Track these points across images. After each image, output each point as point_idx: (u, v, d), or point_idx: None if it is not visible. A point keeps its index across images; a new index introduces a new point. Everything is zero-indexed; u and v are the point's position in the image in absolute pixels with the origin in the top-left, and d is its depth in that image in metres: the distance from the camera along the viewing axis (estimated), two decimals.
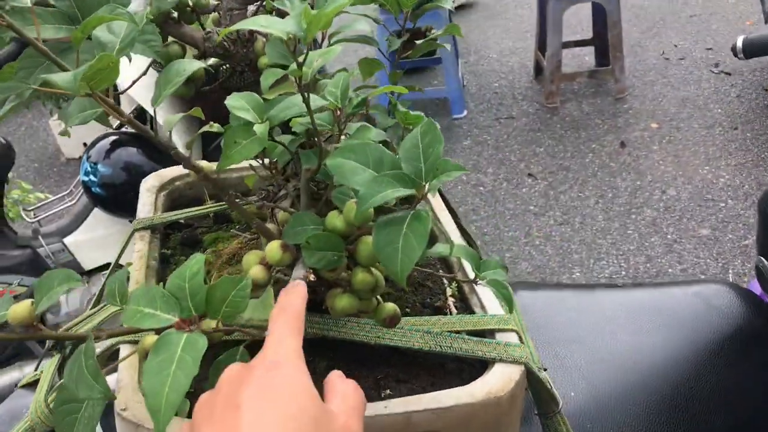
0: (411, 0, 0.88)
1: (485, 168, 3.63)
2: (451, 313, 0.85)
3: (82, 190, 2.26)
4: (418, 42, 0.96)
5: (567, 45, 4.22)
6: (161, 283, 0.88)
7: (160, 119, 2.17)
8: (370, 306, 0.68)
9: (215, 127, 0.66)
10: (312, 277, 0.62)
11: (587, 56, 4.64)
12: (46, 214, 2.41)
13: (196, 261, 0.54)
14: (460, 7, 6.04)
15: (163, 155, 2.31)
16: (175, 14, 0.80)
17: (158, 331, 0.53)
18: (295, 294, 0.56)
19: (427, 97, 4.38)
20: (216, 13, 0.85)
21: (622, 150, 3.60)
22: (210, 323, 0.55)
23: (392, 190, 0.55)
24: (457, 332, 0.78)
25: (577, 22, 5.13)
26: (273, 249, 0.65)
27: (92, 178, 2.21)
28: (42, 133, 4.71)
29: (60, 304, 2.27)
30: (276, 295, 0.66)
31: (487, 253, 2.92)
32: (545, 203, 3.26)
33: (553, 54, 4.01)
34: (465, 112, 4.26)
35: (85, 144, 2.56)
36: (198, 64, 0.61)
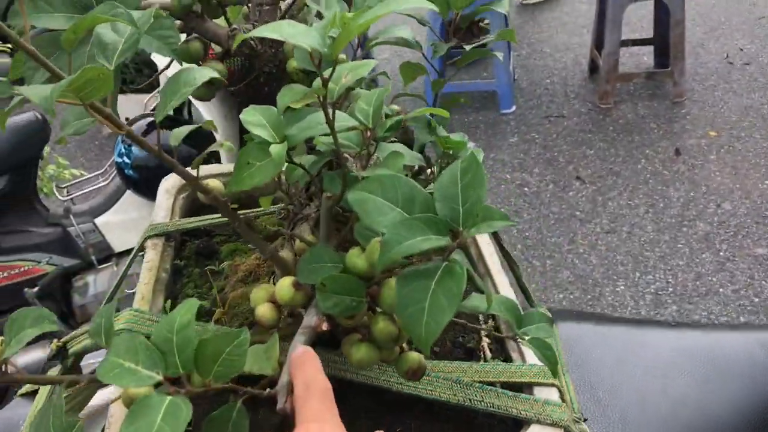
0: (463, 1, 0.79)
1: (531, 168, 3.51)
2: (485, 357, 0.76)
3: (115, 171, 2.22)
4: (467, 46, 0.87)
5: (625, 43, 4.05)
6: (168, 303, 0.81)
7: (199, 104, 2.11)
8: (391, 356, 0.59)
9: (226, 146, 0.57)
10: (325, 326, 0.54)
11: (646, 56, 4.45)
12: (79, 193, 2.38)
13: (188, 308, 0.47)
14: None
15: (200, 141, 2.26)
16: (199, 7, 0.72)
17: (129, 403, 0.46)
18: (311, 367, 0.49)
19: (475, 89, 4.26)
20: (245, 7, 0.77)
21: (676, 158, 3.44)
22: (199, 379, 0.47)
23: (422, 238, 0.46)
24: (491, 384, 0.70)
25: (638, 19, 4.93)
26: (284, 287, 0.57)
27: (126, 159, 2.16)
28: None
29: (88, 285, 2.24)
30: (283, 338, 0.58)
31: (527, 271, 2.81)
32: (592, 209, 3.13)
33: (610, 52, 3.84)
34: (514, 108, 4.13)
35: (126, 119, 2.52)
36: (209, 73, 0.53)
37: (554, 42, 5.02)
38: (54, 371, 0.85)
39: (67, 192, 2.39)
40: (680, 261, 2.76)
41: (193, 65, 0.54)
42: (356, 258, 0.55)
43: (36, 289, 2.10)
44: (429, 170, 0.79)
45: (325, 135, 0.56)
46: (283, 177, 0.65)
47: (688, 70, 4.11)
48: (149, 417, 0.42)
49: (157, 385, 0.46)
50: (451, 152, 0.66)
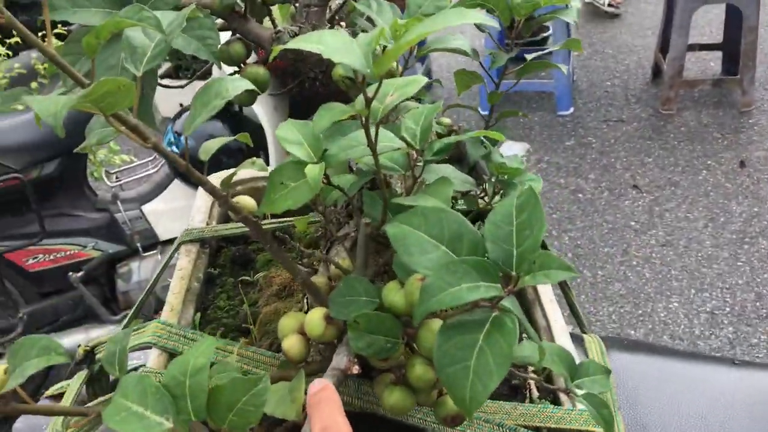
0: (527, 8, 0.72)
1: (586, 173, 3.40)
2: (531, 397, 0.70)
3: (164, 159, 2.21)
4: (528, 56, 0.80)
5: (692, 48, 3.88)
6: (197, 316, 0.77)
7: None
8: (429, 399, 0.54)
9: (257, 165, 0.53)
10: (356, 370, 0.49)
11: (713, 62, 4.27)
12: (128, 179, 2.39)
13: (203, 350, 0.42)
14: None
15: (250, 134, 2.23)
16: (242, 6, 0.68)
17: None
18: (331, 408, 0.44)
19: (532, 89, 4.15)
20: (292, 7, 0.72)
21: (741, 170, 3.28)
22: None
23: (470, 285, 0.41)
24: (536, 429, 0.64)
25: (706, 23, 4.73)
26: (314, 320, 0.52)
27: (174, 149, 2.15)
28: None
29: (132, 271, 2.24)
30: (310, 374, 0.54)
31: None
32: (648, 220, 3.01)
33: (675, 57, 3.69)
34: (571, 110, 4.01)
35: (181, 104, 2.51)
36: (244, 85, 0.48)
37: (617, 43, 4.86)
38: (81, 375, 0.82)
39: (116, 178, 2.40)
40: (739, 280, 2.62)
41: (225, 77, 0.49)
42: (394, 294, 0.50)
43: (80, 273, 2.11)
44: (481, 187, 0.73)
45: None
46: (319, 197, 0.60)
47: (759, 78, 3.92)
48: None
49: None
50: (506, 179, 0.60)
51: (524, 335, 0.75)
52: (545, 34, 4.41)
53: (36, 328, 2.17)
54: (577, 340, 0.94)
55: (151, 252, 2.30)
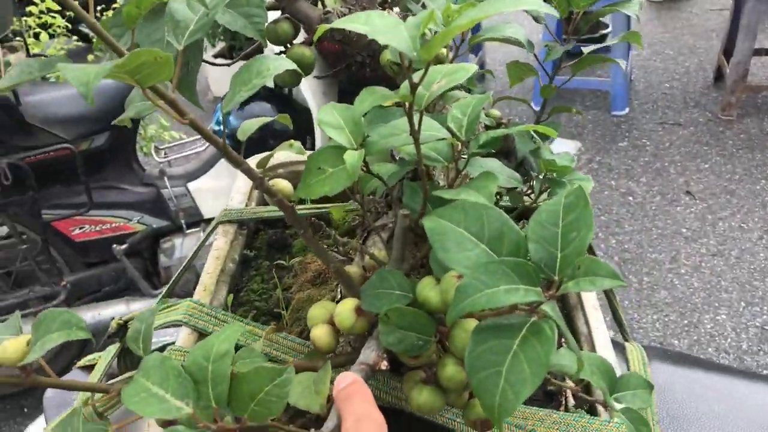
0: None
1: (639, 176, 3.31)
2: (566, 405, 0.67)
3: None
4: (585, 49, 0.77)
5: (758, 52, 3.74)
6: (230, 297, 0.77)
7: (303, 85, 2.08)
8: (459, 401, 0.52)
9: (295, 147, 0.51)
10: (384, 365, 0.47)
11: None
12: (176, 156, 2.41)
13: (228, 336, 0.41)
14: None
15: (296, 115, 2.23)
16: None
17: (163, 423, 0.40)
18: (363, 400, 0.42)
19: (587, 87, 4.06)
20: None
21: None
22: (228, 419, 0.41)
23: (508, 287, 0.38)
24: None
25: None
26: (344, 312, 0.50)
27: (222, 128, 2.16)
28: None
29: (175, 247, 2.27)
30: (337, 366, 0.52)
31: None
32: (700, 228, 2.92)
33: (739, 61, 3.56)
34: (627, 110, 3.91)
35: None
36: (285, 65, 0.46)
37: (678, 44, 4.72)
38: (112, 349, 0.82)
39: (165, 154, 2.42)
40: None
41: (267, 56, 0.47)
42: (429, 290, 0.48)
43: (124, 246, 2.14)
44: (528, 184, 0.70)
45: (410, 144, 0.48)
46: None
47: None
48: None
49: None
50: (555, 176, 0.58)
51: (563, 342, 0.72)
52: (604, 32, 4.30)
53: (78, 297, 2.21)
54: (618, 347, 0.91)
55: (195, 229, 2.32)
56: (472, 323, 0.48)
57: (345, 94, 2.23)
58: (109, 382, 0.73)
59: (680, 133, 3.65)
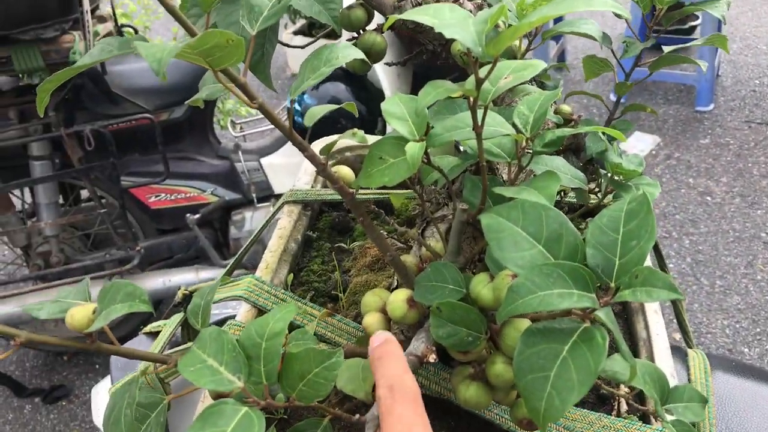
0: None
1: (719, 176, 3.18)
2: (619, 410, 0.66)
3: (286, 115, 2.26)
4: (666, 47, 0.74)
5: None
6: (290, 277, 0.78)
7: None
8: (507, 398, 0.52)
9: (359, 135, 0.51)
10: (432, 358, 0.47)
11: None
12: (251, 131, 2.45)
13: (283, 315, 0.42)
14: None
15: (371, 98, 2.24)
16: None
17: (216, 395, 0.42)
18: (395, 364, 0.42)
19: (671, 80, 3.91)
20: None
21: None
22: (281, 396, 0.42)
23: (561, 291, 0.38)
24: None
25: None
26: (397, 302, 0.51)
27: (296, 107, 2.19)
28: None
29: (245, 220, 2.32)
30: None
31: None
32: None
33: None
34: (711, 106, 3.76)
35: None
36: (354, 54, 0.46)
37: None
38: (177, 318, 0.85)
39: (241, 128, 2.47)
40: None
41: (336, 44, 0.47)
42: (482, 287, 0.48)
43: (197, 216, 2.20)
44: (596, 182, 0.69)
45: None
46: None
47: None
48: (219, 426, 0.38)
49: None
50: (622, 180, 0.56)
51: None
52: (693, 23, 4.13)
53: (150, 263, 2.29)
54: (680, 354, 0.88)
55: (265, 204, 2.37)
56: (524, 323, 0.47)
57: (419, 77, 2.23)
58: (171, 350, 0.76)
59: (767, 133, 3.49)
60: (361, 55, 0.47)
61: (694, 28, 4.12)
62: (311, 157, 0.51)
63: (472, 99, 0.43)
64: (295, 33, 4.09)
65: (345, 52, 0.47)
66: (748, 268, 2.62)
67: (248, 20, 0.48)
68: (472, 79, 0.43)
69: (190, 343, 0.73)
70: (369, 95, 2.23)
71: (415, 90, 2.29)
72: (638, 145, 3.44)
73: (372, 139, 0.89)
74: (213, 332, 0.43)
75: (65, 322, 0.45)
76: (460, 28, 0.37)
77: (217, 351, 0.42)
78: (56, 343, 0.44)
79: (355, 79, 2.26)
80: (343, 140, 0.61)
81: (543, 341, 0.38)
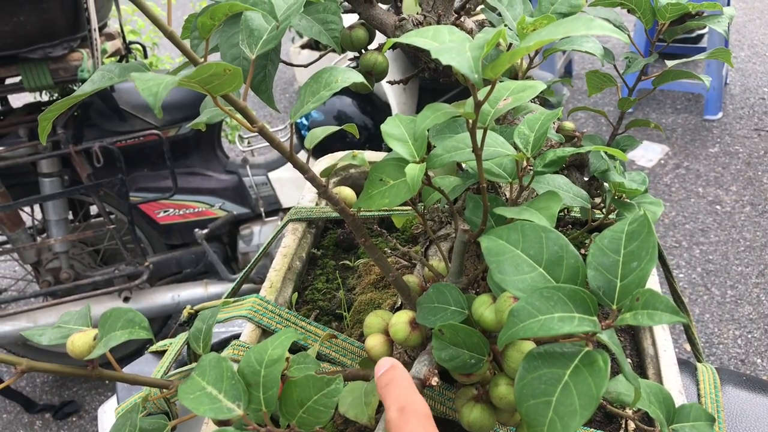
0: (672, 11, 0.67)
1: (728, 185, 3.17)
2: (626, 429, 0.65)
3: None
4: (670, 59, 0.74)
5: None
6: (294, 296, 0.78)
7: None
8: (510, 420, 0.51)
9: (359, 158, 0.51)
10: (434, 381, 0.47)
11: None
12: (259, 146, 2.46)
13: (281, 342, 0.42)
14: None
15: (377, 112, 2.24)
16: None
17: (218, 423, 0.42)
18: (404, 386, 0.42)
19: (679, 89, 3.90)
20: None
21: None
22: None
23: (562, 316, 0.38)
24: None
25: None
26: (399, 324, 0.50)
27: (303, 120, 2.20)
28: (283, 56, 4.85)
29: (253, 234, 2.32)
30: None
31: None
32: None
33: None
34: (720, 115, 3.74)
35: None
36: (353, 77, 0.47)
37: None
38: (183, 336, 0.85)
39: (249, 143, 2.48)
40: None
41: (336, 67, 0.48)
42: (484, 308, 0.47)
43: (206, 230, 2.20)
44: (601, 197, 0.69)
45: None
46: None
47: None
48: None
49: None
50: (624, 198, 0.56)
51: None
52: (701, 32, 4.12)
53: (159, 278, 2.30)
54: (689, 368, 0.88)
55: (273, 218, 2.37)
56: (527, 345, 0.47)
57: (425, 91, 2.23)
58: (176, 370, 0.76)
59: None
60: (360, 78, 0.47)
61: (701, 36, 4.11)
62: (311, 179, 0.51)
63: (471, 121, 0.42)
64: (303, 47, 4.11)
65: (345, 75, 0.47)
66: (760, 277, 2.60)
67: (248, 44, 0.48)
68: (471, 101, 0.43)
69: (194, 364, 0.73)
70: (376, 109, 2.23)
71: (421, 104, 2.30)
72: (647, 154, 3.43)
73: (378, 156, 0.89)
74: (212, 359, 0.43)
75: (66, 349, 0.45)
76: (456, 53, 0.37)
77: (216, 378, 0.42)
78: (57, 371, 0.44)
79: (362, 93, 2.26)
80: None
81: (544, 365, 0.38)
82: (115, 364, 0.47)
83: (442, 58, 0.37)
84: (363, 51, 0.68)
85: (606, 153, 0.58)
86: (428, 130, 0.55)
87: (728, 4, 3.60)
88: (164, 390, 0.49)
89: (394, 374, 0.44)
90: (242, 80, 0.42)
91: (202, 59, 0.47)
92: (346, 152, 0.53)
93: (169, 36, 0.45)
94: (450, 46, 0.39)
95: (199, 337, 0.49)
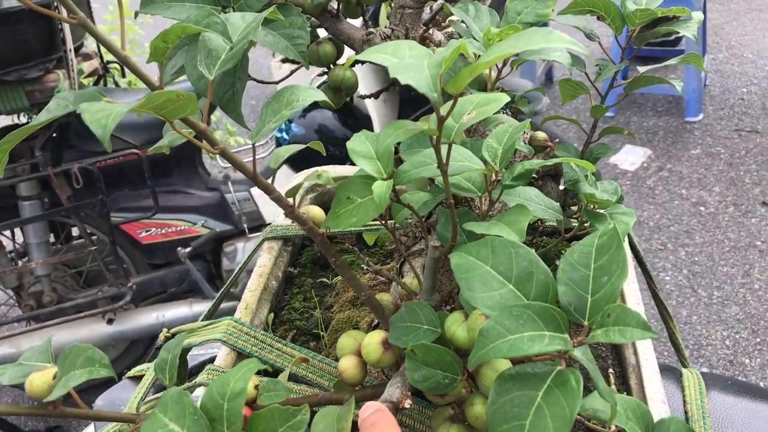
0: (641, 17, 0.66)
1: (711, 186, 3.18)
2: None
3: (275, 144, 2.25)
4: (657, 57, 0.74)
5: None
6: (270, 317, 0.77)
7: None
8: None
9: (323, 177, 0.50)
10: (408, 404, 0.46)
11: None
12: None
13: (243, 374, 0.40)
14: None
15: (358, 124, 2.24)
16: (336, 5, 0.65)
17: None
18: (388, 427, 0.41)
19: (659, 92, 3.92)
20: (388, 6, 0.70)
21: None
22: None
23: (533, 334, 0.37)
24: None
25: None
26: (371, 345, 0.49)
27: (284, 135, 2.19)
28: (265, 71, 4.84)
29: (237, 251, 2.30)
30: (361, 399, 0.51)
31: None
32: None
33: None
34: (700, 116, 3.77)
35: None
36: (315, 95, 0.46)
37: (759, 47, 4.52)
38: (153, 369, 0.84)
39: None
40: None
41: (296, 85, 0.47)
42: (456, 326, 0.46)
43: (189, 249, 2.18)
44: (577, 206, 0.68)
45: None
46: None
47: None
48: None
49: None
50: (597, 209, 0.55)
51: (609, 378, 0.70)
52: (679, 35, 4.15)
53: (143, 298, 2.27)
54: (674, 374, 0.87)
55: (257, 234, 2.35)
56: (502, 363, 0.46)
57: (405, 102, 2.23)
58: (153, 396, 0.74)
59: (757, 140, 3.49)
60: (322, 96, 0.46)
61: (680, 39, 4.14)
62: (277, 200, 0.50)
63: (435, 137, 0.42)
64: (283, 61, 4.11)
65: (306, 93, 0.46)
66: (745, 277, 2.61)
67: (206, 65, 0.47)
68: (434, 117, 0.42)
69: (155, 398, 0.71)
70: (357, 122, 2.22)
71: (402, 115, 2.29)
72: (629, 158, 3.44)
73: (356, 170, 0.88)
74: (174, 395, 0.42)
75: (25, 389, 0.44)
76: (414, 71, 0.36)
77: (178, 415, 0.40)
78: (21, 413, 0.43)
79: (342, 106, 2.26)
80: (329, 171, 0.60)
81: (516, 388, 0.37)
82: (79, 401, 0.45)
83: (401, 76, 0.36)
84: (331, 66, 0.67)
85: (575, 166, 0.57)
86: (399, 144, 0.54)
87: (704, 7, 3.63)
88: (132, 424, 0.48)
89: (380, 416, 0.43)
90: (197, 105, 0.41)
91: (164, 83, 0.45)
92: (312, 170, 0.52)
93: (123, 60, 0.44)
94: (409, 62, 0.38)
95: (165, 368, 0.47)
